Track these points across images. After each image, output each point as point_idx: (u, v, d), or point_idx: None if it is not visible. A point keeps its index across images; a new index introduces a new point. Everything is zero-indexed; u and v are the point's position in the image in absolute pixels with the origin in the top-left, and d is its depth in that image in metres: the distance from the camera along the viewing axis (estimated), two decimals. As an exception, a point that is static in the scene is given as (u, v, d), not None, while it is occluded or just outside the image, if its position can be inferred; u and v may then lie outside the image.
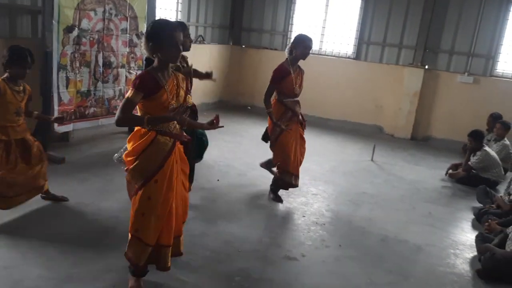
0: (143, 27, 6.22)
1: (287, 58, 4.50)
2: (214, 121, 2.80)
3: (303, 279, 3.37)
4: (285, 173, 4.63)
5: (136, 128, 2.84)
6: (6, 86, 3.56)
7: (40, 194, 4.01)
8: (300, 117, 4.66)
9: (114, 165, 5.26)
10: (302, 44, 4.40)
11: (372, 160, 6.75)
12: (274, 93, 4.56)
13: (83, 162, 5.16)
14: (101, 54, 5.67)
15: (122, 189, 4.60)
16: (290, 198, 4.94)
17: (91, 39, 5.49)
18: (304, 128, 4.75)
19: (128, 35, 6.01)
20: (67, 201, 4.14)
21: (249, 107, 9.60)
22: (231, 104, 9.80)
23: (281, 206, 4.71)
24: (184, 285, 3.10)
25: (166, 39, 2.65)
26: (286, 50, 4.52)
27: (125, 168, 2.88)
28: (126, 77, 6.15)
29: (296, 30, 9.52)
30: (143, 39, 2.78)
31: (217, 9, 9.41)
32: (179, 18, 8.28)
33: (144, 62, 2.93)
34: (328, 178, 5.69)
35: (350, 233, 4.23)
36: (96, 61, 5.63)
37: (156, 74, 2.71)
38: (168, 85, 2.74)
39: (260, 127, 8.18)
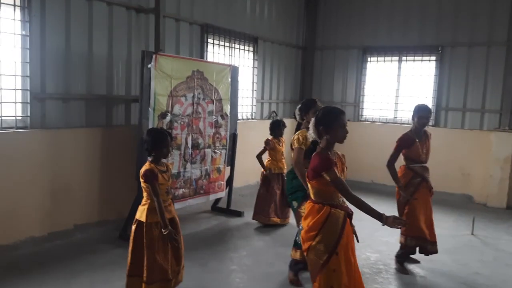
0: (227, 109, 6.39)
1: (411, 128, 4.81)
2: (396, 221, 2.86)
3: None
4: (416, 239, 4.70)
5: (308, 205, 3.17)
6: (157, 169, 3.60)
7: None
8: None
9: (205, 248, 5.20)
10: (417, 114, 4.73)
11: (472, 234, 6.21)
12: (403, 161, 4.84)
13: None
14: (190, 136, 5.81)
15: (217, 273, 4.46)
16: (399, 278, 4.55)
17: (182, 123, 5.67)
18: (432, 194, 4.85)
19: (214, 116, 6.17)
20: None
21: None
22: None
23: (388, 285, 4.33)
24: None
25: (335, 121, 3.05)
26: (412, 119, 4.82)
27: (305, 248, 3.09)
28: (212, 156, 6.23)
29: (368, 100, 9.47)
30: (311, 124, 3.15)
31: (287, 85, 9.64)
32: (255, 96, 8.51)
33: (311, 146, 3.26)
34: (431, 256, 5.22)
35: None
36: (186, 143, 5.77)
37: (327, 153, 3.10)
38: (337, 162, 3.14)
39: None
